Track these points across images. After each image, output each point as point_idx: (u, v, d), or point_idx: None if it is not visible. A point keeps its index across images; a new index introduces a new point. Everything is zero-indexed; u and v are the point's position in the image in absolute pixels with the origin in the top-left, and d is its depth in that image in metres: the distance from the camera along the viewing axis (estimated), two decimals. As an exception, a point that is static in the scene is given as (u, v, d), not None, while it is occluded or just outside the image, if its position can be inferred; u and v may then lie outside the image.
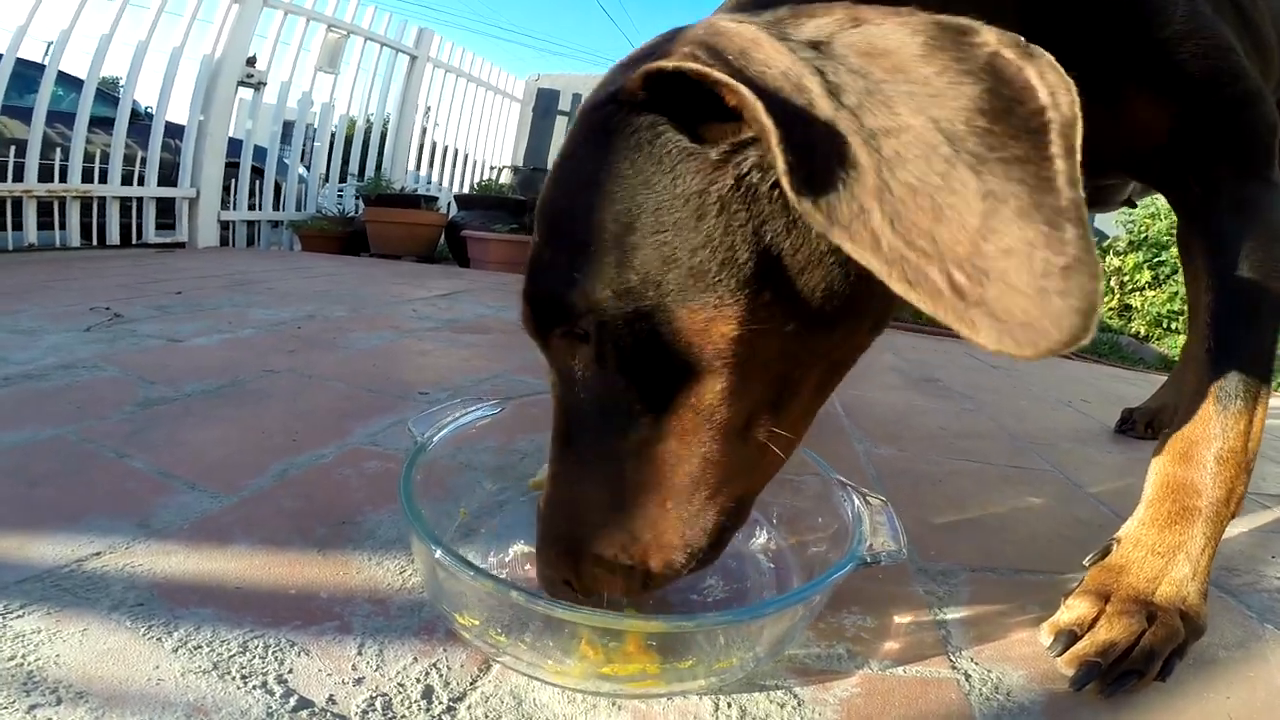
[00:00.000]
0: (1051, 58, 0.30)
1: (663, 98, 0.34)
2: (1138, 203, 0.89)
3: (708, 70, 0.30)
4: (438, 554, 0.41)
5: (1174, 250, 3.65)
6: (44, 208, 2.47)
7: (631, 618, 0.43)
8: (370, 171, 4.02)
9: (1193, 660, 0.52)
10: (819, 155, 0.28)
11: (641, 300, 0.35)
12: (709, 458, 0.39)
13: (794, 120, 0.29)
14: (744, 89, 0.29)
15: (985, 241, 0.26)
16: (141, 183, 2.79)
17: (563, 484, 0.42)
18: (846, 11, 0.34)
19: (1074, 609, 0.52)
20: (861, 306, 0.38)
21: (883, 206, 0.28)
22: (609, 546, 0.41)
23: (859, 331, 0.40)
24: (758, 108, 0.29)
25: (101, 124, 2.68)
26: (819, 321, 0.37)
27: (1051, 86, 0.29)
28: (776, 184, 0.34)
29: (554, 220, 0.40)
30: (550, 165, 0.42)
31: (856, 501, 0.52)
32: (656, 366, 0.37)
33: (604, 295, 0.36)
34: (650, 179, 0.35)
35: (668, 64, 0.32)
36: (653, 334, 0.36)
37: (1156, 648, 0.48)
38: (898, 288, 0.27)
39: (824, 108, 0.29)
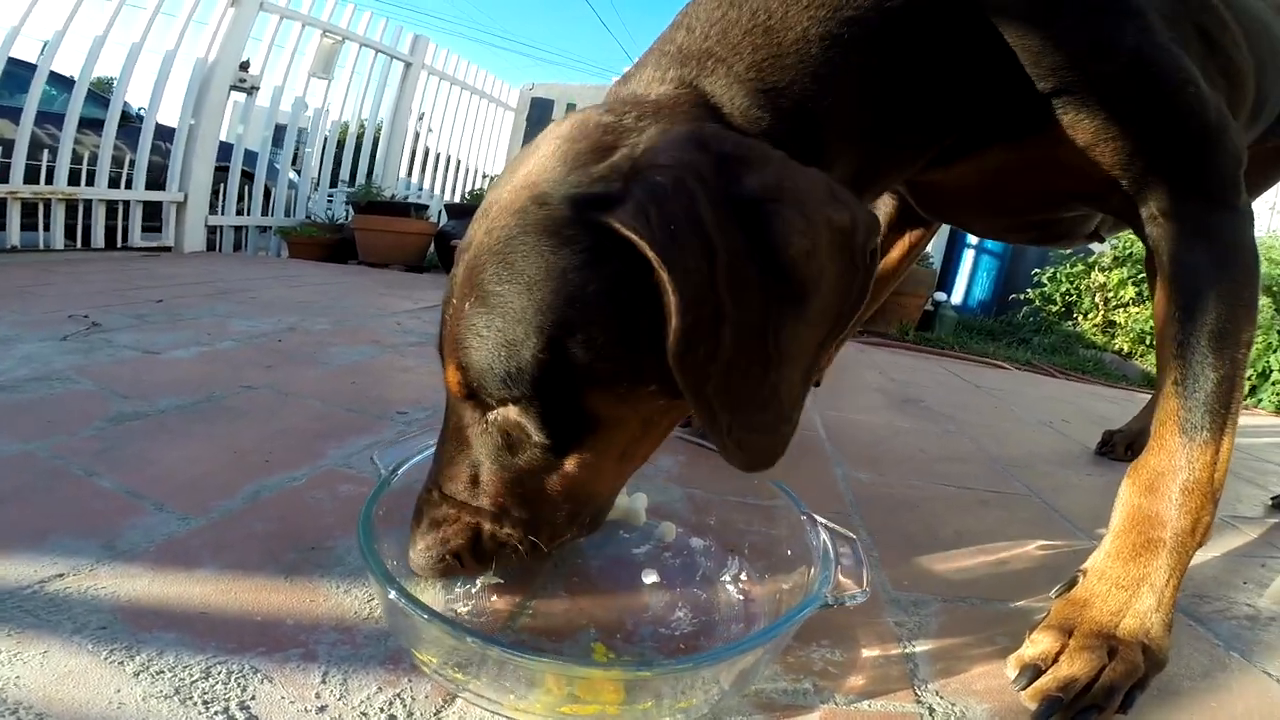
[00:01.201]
0: (874, 271, 0.45)
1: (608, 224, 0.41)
2: (1106, 237, 0.90)
3: (650, 255, 0.38)
4: (391, 594, 0.41)
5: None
6: (28, 209, 2.45)
7: (587, 665, 0.44)
8: (361, 178, 4.01)
9: (1156, 691, 0.53)
10: (698, 335, 0.39)
11: (567, 389, 0.44)
12: (600, 478, 0.51)
13: (691, 306, 0.38)
14: (667, 278, 0.38)
15: (758, 415, 0.42)
16: (129, 185, 2.77)
17: (453, 488, 0.50)
18: (778, 173, 0.43)
19: (1038, 643, 0.52)
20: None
21: (719, 378, 0.40)
22: (509, 533, 0.50)
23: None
24: (671, 295, 0.38)
25: (92, 125, 2.66)
26: (671, 397, 0.47)
27: (865, 294, 0.44)
28: None
29: (482, 297, 0.44)
30: (490, 221, 0.45)
31: (825, 538, 0.53)
32: (562, 425, 0.46)
33: (530, 386, 0.43)
34: (592, 295, 0.42)
35: (619, 228, 0.39)
36: (566, 408, 0.45)
37: (1117, 683, 0.48)
38: (699, 420, 0.42)
39: (718, 292, 0.39)
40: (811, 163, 0.46)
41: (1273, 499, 1.08)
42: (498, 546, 0.50)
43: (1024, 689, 0.49)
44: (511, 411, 0.45)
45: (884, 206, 0.94)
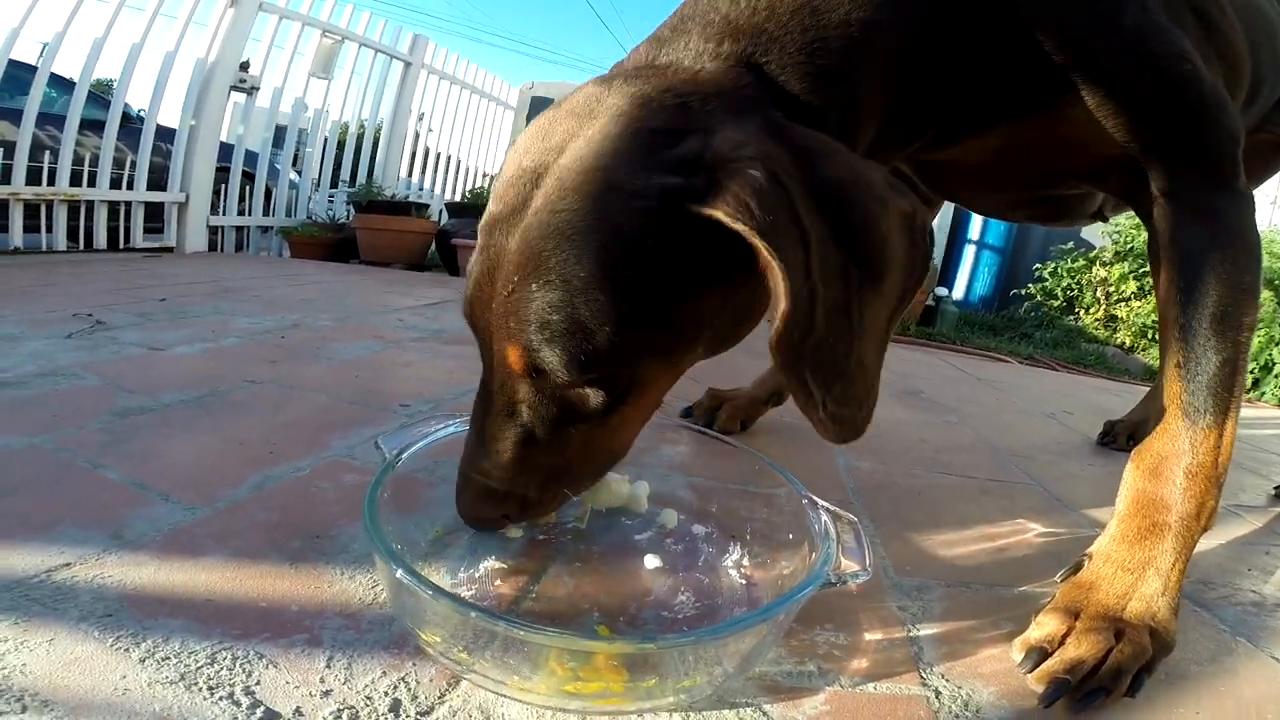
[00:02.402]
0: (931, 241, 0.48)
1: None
2: (1110, 217, 0.90)
3: (760, 246, 0.40)
4: (398, 573, 0.41)
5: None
6: (31, 210, 2.46)
7: (591, 639, 0.43)
8: (362, 178, 4.02)
9: (1164, 675, 0.52)
10: (799, 318, 0.41)
11: (625, 363, 0.46)
12: (633, 431, 0.55)
13: (795, 304, 0.40)
14: (780, 276, 0.40)
15: (849, 388, 0.45)
16: (131, 186, 2.78)
17: (500, 452, 0.50)
18: (849, 165, 0.45)
19: (1044, 626, 0.52)
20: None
21: (812, 358, 0.43)
22: (553, 486, 0.53)
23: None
24: (783, 289, 0.40)
25: (92, 127, 2.66)
26: (715, 354, 0.52)
27: (927, 266, 0.47)
28: (762, 292, 0.45)
29: (557, 281, 0.43)
30: (553, 202, 0.44)
31: (826, 519, 0.53)
32: (621, 393, 0.48)
33: (601, 360, 0.44)
34: (674, 279, 0.44)
35: (726, 221, 0.40)
36: (626, 377, 0.48)
37: (1124, 665, 0.48)
38: (798, 403, 0.45)
39: (813, 277, 0.41)
40: (843, 141, 0.49)
41: (1276, 488, 1.08)
42: (540, 503, 0.54)
43: (1030, 671, 0.49)
44: (574, 385, 0.47)
45: None
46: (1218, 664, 0.57)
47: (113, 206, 2.73)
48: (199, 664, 0.43)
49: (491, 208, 0.47)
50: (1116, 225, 3.87)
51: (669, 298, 0.44)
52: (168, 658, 0.43)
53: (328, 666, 0.44)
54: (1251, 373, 2.81)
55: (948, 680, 0.50)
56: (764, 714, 0.45)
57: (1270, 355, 2.75)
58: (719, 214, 0.40)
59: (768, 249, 0.39)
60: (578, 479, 0.54)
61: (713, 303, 0.46)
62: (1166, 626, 0.52)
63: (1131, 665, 0.48)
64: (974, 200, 0.88)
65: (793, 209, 0.41)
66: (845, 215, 0.43)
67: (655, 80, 0.47)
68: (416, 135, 4.40)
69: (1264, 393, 2.72)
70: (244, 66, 3.06)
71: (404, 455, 0.57)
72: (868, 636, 0.54)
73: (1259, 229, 0.62)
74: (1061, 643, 0.50)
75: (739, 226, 0.40)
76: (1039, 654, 0.50)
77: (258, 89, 3.20)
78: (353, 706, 0.41)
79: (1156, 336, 3.62)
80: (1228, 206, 0.60)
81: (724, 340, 0.51)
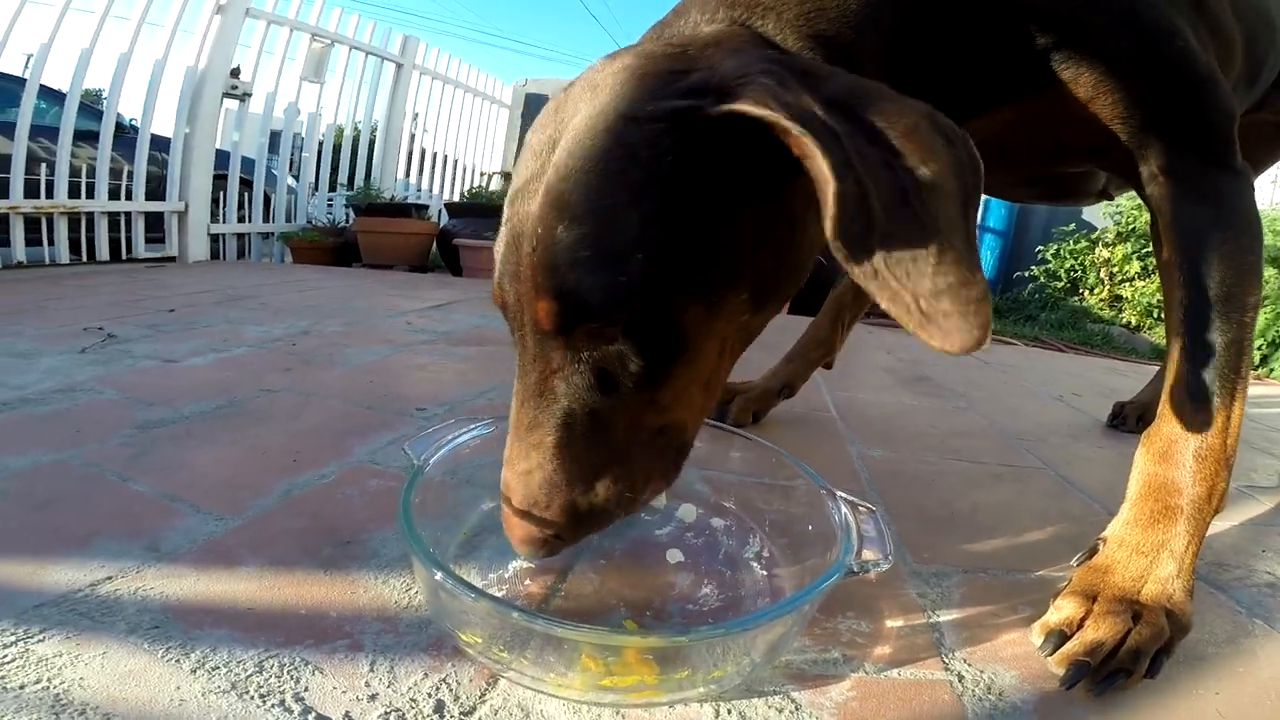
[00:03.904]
0: (972, 142, 0.42)
1: (722, 126, 0.40)
2: (1115, 195, 0.90)
3: (790, 127, 0.37)
4: (438, 576, 0.42)
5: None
6: (31, 224, 2.47)
7: (627, 634, 0.45)
8: (360, 180, 4.02)
9: (1182, 656, 0.54)
10: (853, 208, 0.37)
11: (660, 304, 0.43)
12: (689, 409, 0.48)
13: (845, 182, 0.37)
14: (819, 154, 0.37)
15: (937, 278, 0.38)
16: (129, 197, 2.78)
17: (567, 448, 0.46)
18: (849, 78, 0.43)
19: (1062, 609, 0.53)
20: (785, 301, 0.52)
21: (883, 252, 0.38)
22: (609, 488, 0.47)
23: (773, 315, 0.52)
24: (826, 169, 0.36)
25: (86, 138, 2.67)
26: (763, 311, 0.49)
27: (977, 164, 0.41)
28: (800, 220, 0.46)
29: (582, 214, 0.41)
30: (569, 148, 0.43)
31: (845, 510, 0.54)
32: (658, 349, 0.44)
33: (635, 299, 0.42)
34: (701, 201, 0.42)
35: (753, 110, 0.39)
36: (663, 327, 0.44)
37: (1143, 646, 0.49)
38: (884, 304, 0.39)
39: (856, 168, 0.38)
40: None
41: (1286, 465, 1.09)
42: (596, 511, 0.47)
43: (1050, 654, 0.50)
44: (610, 341, 0.43)
45: None
46: (1235, 645, 0.58)
47: (113, 217, 2.73)
48: (248, 672, 0.44)
49: (513, 183, 0.46)
50: (1118, 206, 3.87)
51: (698, 221, 0.42)
52: (218, 667, 0.44)
53: (371, 670, 0.45)
54: (1260, 349, 2.81)
55: (970, 665, 0.52)
56: (793, 701, 0.46)
57: (1278, 331, 2.76)
58: (741, 106, 0.39)
59: (798, 129, 0.37)
60: (635, 476, 0.48)
61: (747, 228, 0.44)
62: (1182, 608, 0.53)
63: (1150, 647, 0.50)
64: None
65: (809, 107, 0.39)
66: (864, 115, 0.40)
67: (658, 42, 0.48)
68: (412, 136, 4.40)
69: (1273, 369, 2.72)
70: (235, 73, 3.06)
71: (431, 461, 0.58)
72: (889, 623, 0.56)
73: (1260, 207, 0.63)
74: (1080, 626, 0.51)
75: (762, 112, 0.38)
76: (1059, 637, 0.51)
77: (250, 95, 3.20)
78: (399, 709, 0.42)
79: (1162, 315, 3.63)
80: (1227, 185, 0.60)
81: (770, 281, 0.47)
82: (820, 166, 0.37)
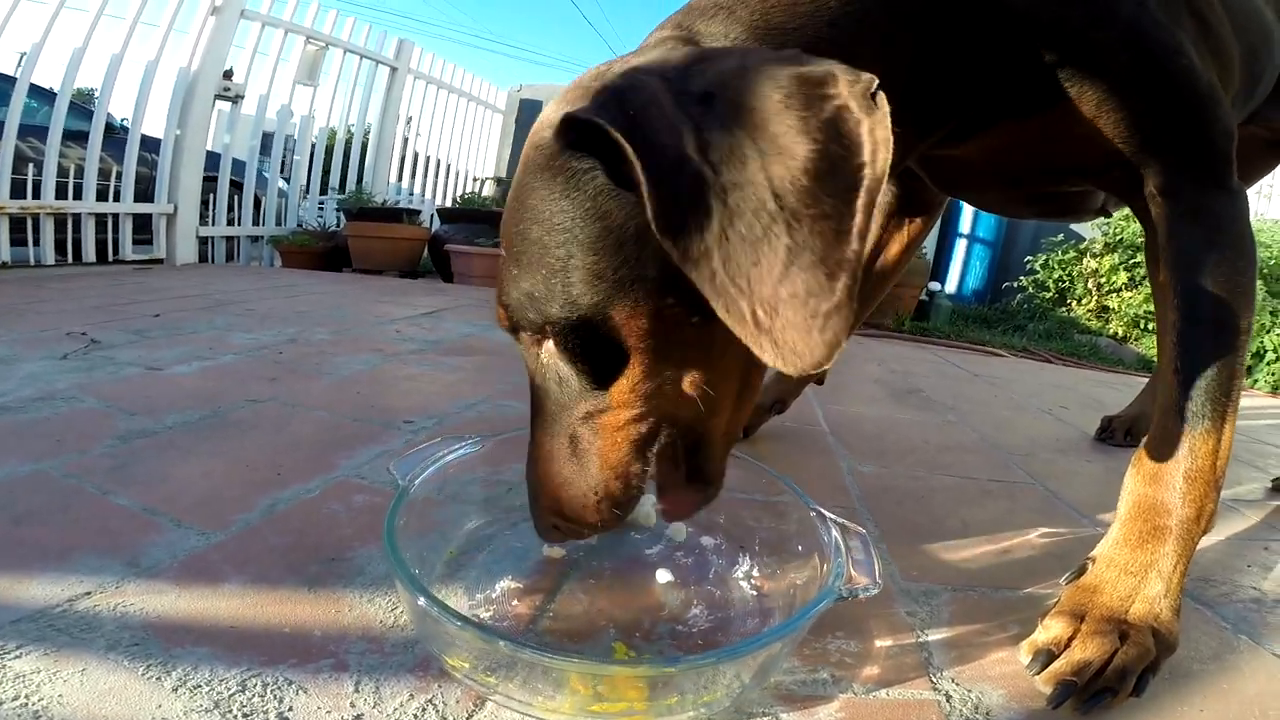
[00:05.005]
0: (887, 111, 0.37)
1: (588, 135, 0.40)
2: (1113, 212, 0.91)
3: (609, 129, 0.37)
4: (421, 602, 0.42)
5: (1146, 254, 3.70)
6: (16, 224, 2.44)
7: (615, 664, 0.44)
8: (351, 184, 4.00)
9: (1168, 674, 0.54)
10: (681, 205, 0.36)
11: (581, 310, 0.44)
12: (647, 411, 0.48)
13: (665, 175, 0.36)
14: (629, 148, 0.36)
15: (781, 286, 0.35)
16: (118, 198, 2.76)
17: (540, 447, 0.50)
18: (740, 59, 0.41)
19: (1050, 629, 0.53)
20: None
21: (720, 250, 0.36)
22: (583, 490, 0.49)
23: None
24: (636, 164, 0.35)
25: (76, 138, 2.65)
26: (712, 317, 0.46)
27: (875, 144, 0.36)
28: None
29: (512, 242, 0.46)
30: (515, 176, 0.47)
31: (835, 533, 0.54)
32: (599, 354, 0.46)
33: (555, 311, 0.45)
34: (584, 215, 0.43)
35: (581, 115, 0.39)
36: (594, 332, 0.45)
37: (1129, 666, 0.49)
38: (718, 312, 0.36)
39: (693, 162, 0.36)
40: None
41: (1273, 481, 1.10)
42: (582, 500, 0.49)
43: (1038, 674, 0.50)
44: (560, 349, 0.47)
45: (882, 198, 0.95)
46: (1220, 662, 0.58)
47: (100, 218, 2.71)
48: (230, 691, 0.43)
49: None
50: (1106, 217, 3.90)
51: (606, 235, 0.42)
52: (199, 686, 0.43)
53: (356, 691, 0.45)
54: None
55: (958, 684, 0.51)
56: (782, 725, 0.46)
57: (1262, 342, 2.79)
58: (577, 114, 0.39)
59: (618, 134, 0.36)
60: (596, 486, 0.49)
61: (648, 234, 0.40)
62: (1169, 627, 0.53)
63: (1136, 666, 0.50)
64: (981, 198, 0.89)
65: (655, 101, 0.38)
66: (727, 100, 0.38)
67: (599, 67, 0.49)
68: (405, 140, 4.39)
69: (1257, 379, 2.75)
70: (228, 75, 3.05)
71: (417, 481, 0.58)
72: (878, 643, 0.56)
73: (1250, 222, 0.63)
74: (1068, 645, 0.51)
75: (590, 118, 0.38)
76: (1046, 656, 0.51)
77: (243, 97, 3.19)
78: (383, 730, 0.42)
79: (1149, 326, 3.66)
80: (1224, 206, 0.60)
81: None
82: (636, 173, 0.36)
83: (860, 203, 0.35)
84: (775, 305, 0.35)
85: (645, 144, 0.36)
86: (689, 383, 0.47)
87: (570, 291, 0.44)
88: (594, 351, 0.46)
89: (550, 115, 0.45)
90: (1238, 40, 0.67)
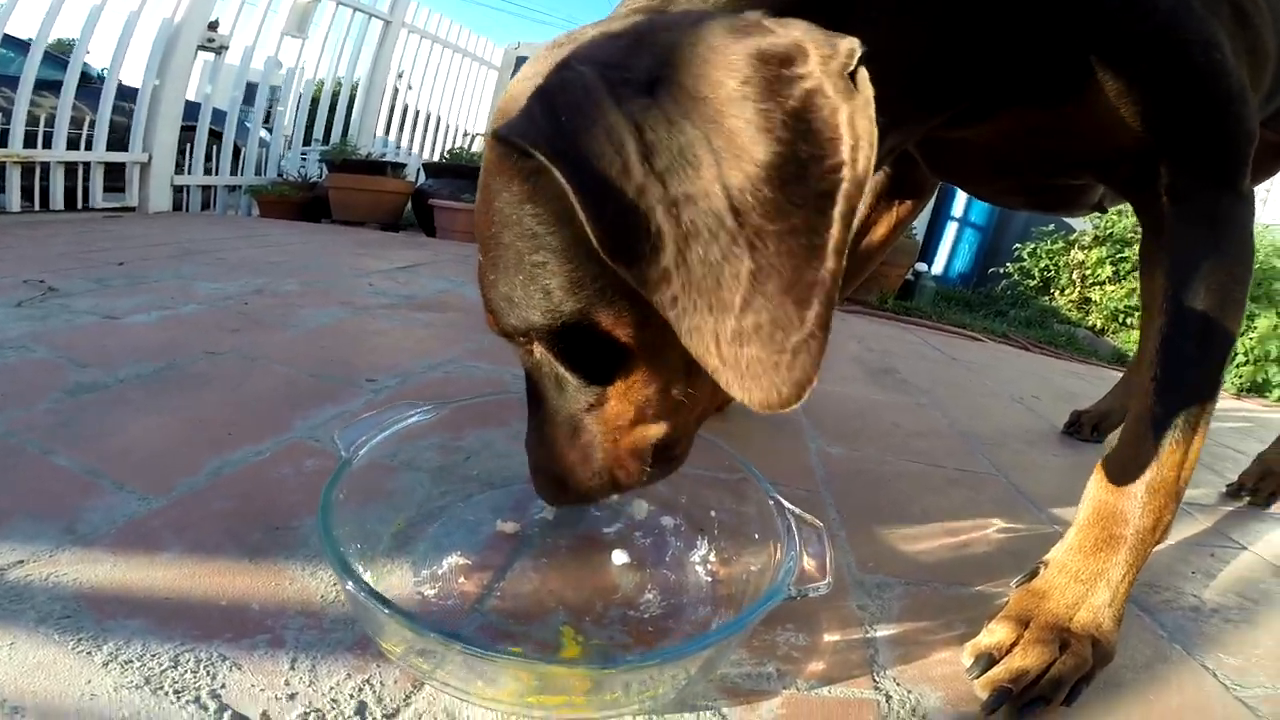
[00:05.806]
0: (870, 94, 0.31)
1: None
2: (1109, 208, 0.90)
3: (533, 152, 0.33)
4: (349, 587, 0.41)
5: (1137, 247, 3.73)
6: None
7: (554, 662, 0.44)
8: (336, 136, 3.89)
9: (1101, 683, 0.54)
10: (627, 226, 0.32)
11: (565, 317, 0.42)
12: (638, 412, 0.48)
13: (605, 195, 0.32)
14: (558, 173, 0.32)
15: (745, 315, 0.31)
16: (90, 147, 2.65)
17: (538, 433, 0.52)
18: (690, 31, 0.35)
19: (995, 633, 0.53)
20: None
21: (680, 274, 0.32)
22: (585, 473, 0.51)
23: None
24: (569, 191, 0.32)
25: (51, 87, 2.54)
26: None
27: (855, 138, 0.31)
28: None
29: (486, 246, 0.44)
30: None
31: (792, 524, 0.53)
32: (592, 352, 0.45)
33: (537, 318, 0.43)
34: (553, 219, 0.39)
35: (503, 134, 0.35)
36: (580, 336, 0.43)
37: (1065, 676, 0.50)
38: (682, 337, 0.33)
39: (636, 175, 0.32)
40: None
41: (1228, 486, 1.11)
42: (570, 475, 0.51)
43: (977, 678, 0.51)
44: (546, 349, 0.46)
45: (872, 180, 0.92)
46: (1151, 671, 0.58)
47: (71, 167, 2.60)
48: (163, 667, 0.42)
49: None
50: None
51: (568, 238, 0.39)
52: (131, 661, 0.42)
53: (292, 668, 0.44)
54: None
55: (898, 684, 0.52)
56: (722, 717, 0.45)
57: (1234, 348, 2.82)
58: (507, 135, 0.35)
59: (546, 156, 0.32)
60: (599, 485, 0.51)
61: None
62: (1109, 637, 0.53)
63: (1072, 676, 0.50)
64: (975, 185, 0.86)
65: (590, 102, 0.33)
66: (677, 86, 0.32)
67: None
68: (395, 93, 4.25)
69: (1224, 382, 2.79)
70: (213, 25, 2.92)
71: (360, 452, 0.56)
72: (827, 638, 0.56)
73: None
74: (1009, 651, 0.51)
75: (516, 141, 0.34)
76: (987, 660, 0.51)
77: (227, 48, 3.06)
78: (319, 709, 0.41)
79: (1128, 321, 3.69)
80: (1230, 211, 0.58)
81: None
82: (570, 195, 0.32)
83: (837, 212, 0.30)
84: (741, 335, 0.31)
85: (577, 161, 0.32)
86: (682, 382, 0.47)
87: (551, 299, 0.42)
88: (586, 350, 0.44)
89: (502, 105, 0.42)
90: (1277, 37, 0.63)
